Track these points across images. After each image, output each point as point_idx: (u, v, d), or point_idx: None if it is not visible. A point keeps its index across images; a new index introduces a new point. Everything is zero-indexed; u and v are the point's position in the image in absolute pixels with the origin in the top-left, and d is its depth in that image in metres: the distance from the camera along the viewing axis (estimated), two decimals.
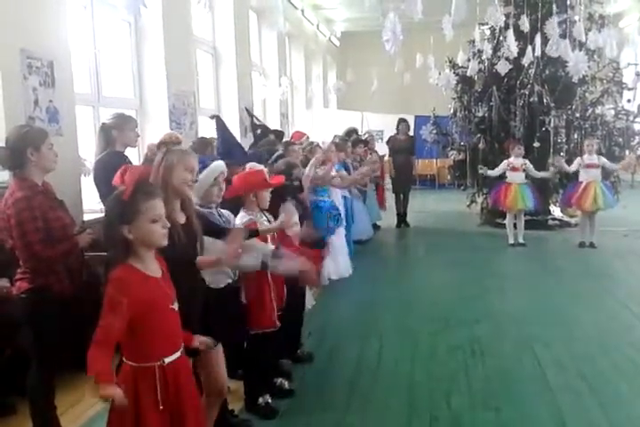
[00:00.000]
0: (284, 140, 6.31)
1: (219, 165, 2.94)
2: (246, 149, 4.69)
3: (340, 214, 5.91)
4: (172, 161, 2.48)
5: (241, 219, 3.22)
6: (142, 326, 1.99)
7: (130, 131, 4.01)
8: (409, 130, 9.70)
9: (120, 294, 1.93)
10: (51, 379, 2.94)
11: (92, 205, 4.80)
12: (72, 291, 2.88)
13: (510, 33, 8.03)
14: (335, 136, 8.41)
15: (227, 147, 3.68)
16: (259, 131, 5.29)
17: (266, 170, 3.42)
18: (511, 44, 8.01)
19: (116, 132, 3.93)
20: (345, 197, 6.74)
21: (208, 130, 7.57)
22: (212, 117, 3.88)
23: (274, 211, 3.44)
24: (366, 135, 10.02)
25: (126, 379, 2.01)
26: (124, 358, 2.05)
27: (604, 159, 7.47)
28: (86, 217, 4.43)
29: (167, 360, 2.04)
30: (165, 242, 2.07)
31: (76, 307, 2.87)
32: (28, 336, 2.88)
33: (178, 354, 2.09)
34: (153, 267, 2.08)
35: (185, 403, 2.06)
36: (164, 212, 2.08)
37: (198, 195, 2.81)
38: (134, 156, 5.54)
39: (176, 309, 2.10)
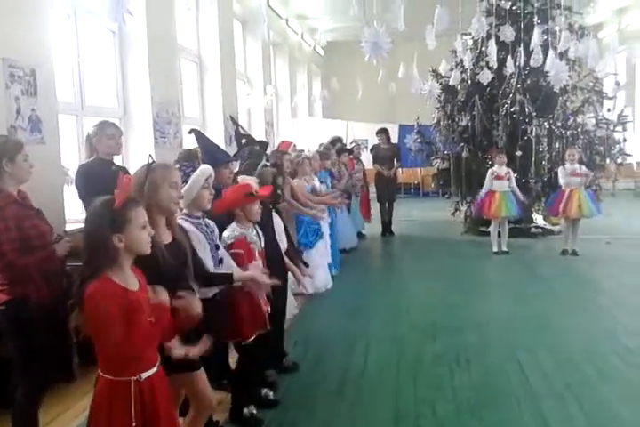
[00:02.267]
0: (272, 149, 6.29)
1: (207, 167, 2.93)
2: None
3: (319, 228, 5.90)
4: (156, 180, 2.42)
5: (232, 232, 3.20)
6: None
7: (106, 138, 3.99)
8: (389, 139, 9.72)
9: (107, 304, 1.90)
10: (38, 392, 2.88)
11: (75, 215, 4.76)
12: (51, 299, 2.84)
13: (492, 43, 8.13)
14: (321, 145, 8.44)
15: (209, 153, 3.69)
16: (244, 140, 5.26)
17: (257, 181, 3.41)
18: (492, 54, 8.11)
19: (95, 140, 3.96)
20: (329, 208, 6.73)
21: (192, 139, 7.56)
22: (190, 132, 3.89)
23: (259, 220, 3.43)
24: (352, 144, 10.06)
25: (102, 393, 1.98)
26: (100, 371, 2.02)
27: (585, 172, 7.54)
28: (69, 227, 4.38)
29: (144, 375, 2.01)
30: (149, 250, 2.06)
31: (55, 316, 2.83)
32: (10, 348, 2.83)
33: (154, 369, 2.06)
34: (132, 279, 2.05)
35: (161, 419, 2.03)
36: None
37: (189, 199, 2.78)
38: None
39: (154, 321, 2.07)
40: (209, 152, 3.66)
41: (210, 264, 2.82)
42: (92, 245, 1.99)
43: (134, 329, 1.97)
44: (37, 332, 2.79)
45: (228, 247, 3.07)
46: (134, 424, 1.95)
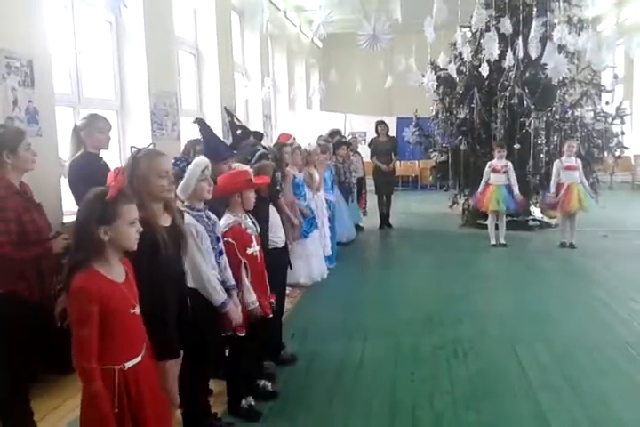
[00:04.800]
0: (272, 141, 6.25)
1: (202, 159, 2.92)
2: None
3: (314, 218, 5.90)
4: (143, 170, 2.43)
5: (226, 220, 3.20)
6: (103, 331, 1.96)
7: (97, 132, 3.90)
8: (388, 131, 9.75)
9: (88, 304, 1.92)
10: (22, 387, 2.87)
11: (72, 207, 4.74)
12: (42, 296, 2.80)
13: (491, 35, 8.08)
14: (319, 137, 8.41)
15: (211, 146, 3.66)
16: (239, 131, 5.23)
17: (251, 170, 3.41)
18: (493, 47, 8.06)
19: (84, 134, 3.87)
20: (329, 201, 6.73)
21: (190, 131, 7.52)
22: (195, 121, 3.85)
23: (257, 213, 3.43)
24: (349, 137, 10.05)
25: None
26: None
27: (579, 166, 7.53)
28: (66, 219, 4.37)
29: (128, 365, 2.03)
30: (135, 246, 2.08)
31: (48, 311, 2.80)
32: None
33: (139, 359, 2.08)
34: (117, 271, 2.07)
35: (146, 408, 2.05)
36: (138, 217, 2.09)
37: (187, 192, 2.77)
38: (115, 158, 5.50)
39: (137, 313, 2.09)
40: (211, 146, 3.63)
41: (211, 257, 2.83)
42: (79, 235, 2.03)
43: (115, 319, 1.99)
44: (24, 329, 2.74)
45: (222, 236, 3.07)
46: (116, 411, 1.97)
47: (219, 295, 2.83)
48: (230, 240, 3.10)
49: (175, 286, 2.57)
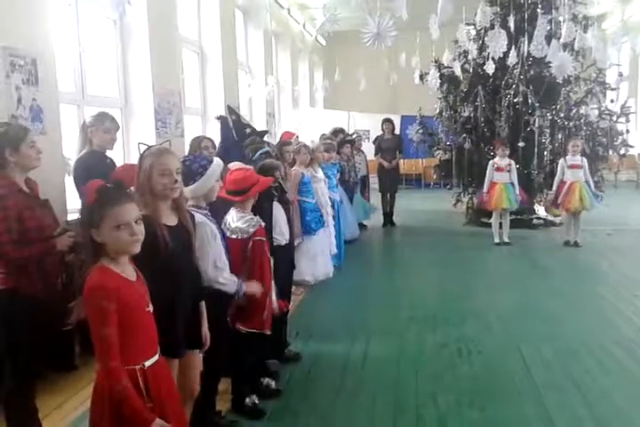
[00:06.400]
0: (276, 140, 6.23)
1: (220, 160, 2.92)
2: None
3: (322, 216, 5.89)
4: (146, 167, 2.41)
5: (241, 219, 3.17)
6: (122, 331, 1.94)
7: (102, 131, 3.91)
8: (394, 129, 9.76)
9: (107, 301, 1.90)
10: (27, 383, 2.87)
11: (77, 205, 4.74)
12: (44, 294, 2.80)
13: (498, 32, 8.04)
14: (322, 135, 8.40)
15: (226, 146, 3.66)
16: (248, 130, 5.22)
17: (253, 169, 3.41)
18: (499, 44, 8.01)
19: (91, 131, 3.89)
20: (334, 200, 6.71)
21: (194, 129, 7.53)
22: (218, 118, 3.83)
23: (260, 212, 3.42)
24: (354, 135, 10.04)
25: (104, 384, 1.96)
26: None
27: (585, 164, 7.53)
28: (70, 217, 4.38)
29: (147, 364, 2.03)
30: (136, 249, 2.02)
31: (52, 309, 2.81)
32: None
33: (156, 357, 2.08)
34: (128, 269, 2.06)
35: (167, 405, 2.05)
36: (135, 217, 2.01)
37: (203, 191, 2.76)
38: (119, 155, 5.51)
39: (151, 311, 2.09)
40: (225, 146, 3.63)
41: (223, 254, 2.83)
42: (80, 235, 2.06)
43: (133, 318, 1.98)
44: (25, 325, 2.74)
45: (253, 235, 3.07)
46: (150, 405, 1.96)
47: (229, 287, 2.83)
48: (262, 239, 3.10)
49: (185, 285, 2.55)
